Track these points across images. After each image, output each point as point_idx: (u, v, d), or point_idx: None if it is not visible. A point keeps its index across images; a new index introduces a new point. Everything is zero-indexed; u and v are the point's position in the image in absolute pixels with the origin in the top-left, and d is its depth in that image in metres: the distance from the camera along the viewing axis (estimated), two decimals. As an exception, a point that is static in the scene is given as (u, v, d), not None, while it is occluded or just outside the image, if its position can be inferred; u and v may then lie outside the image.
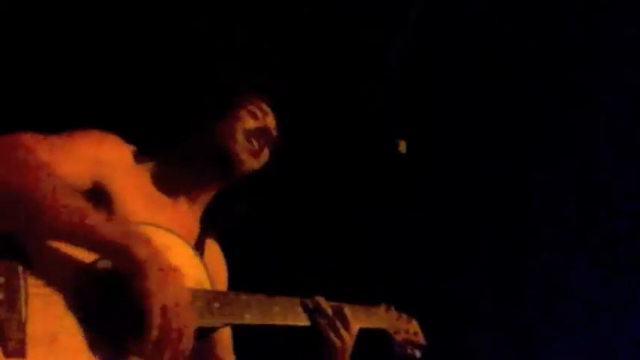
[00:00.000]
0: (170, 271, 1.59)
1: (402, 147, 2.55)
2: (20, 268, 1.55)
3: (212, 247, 2.14)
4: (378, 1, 3.24)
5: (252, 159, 2.06)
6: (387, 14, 3.26)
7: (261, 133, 2.07)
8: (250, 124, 2.07)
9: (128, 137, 1.97)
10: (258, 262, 2.21)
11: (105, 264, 1.62)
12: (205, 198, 2.10)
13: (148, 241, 1.61)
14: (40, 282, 1.56)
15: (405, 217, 3.57)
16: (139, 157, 1.97)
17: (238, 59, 2.38)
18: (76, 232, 1.57)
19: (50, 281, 1.57)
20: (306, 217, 3.38)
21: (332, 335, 2.00)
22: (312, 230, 3.39)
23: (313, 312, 2.01)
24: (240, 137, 2.04)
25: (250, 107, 2.09)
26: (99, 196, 1.79)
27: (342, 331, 2.00)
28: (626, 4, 3.33)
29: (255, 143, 2.06)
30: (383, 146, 2.85)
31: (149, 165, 1.99)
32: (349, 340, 2.02)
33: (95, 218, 1.59)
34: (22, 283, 1.53)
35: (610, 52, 3.42)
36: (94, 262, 1.63)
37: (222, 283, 2.13)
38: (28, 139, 1.68)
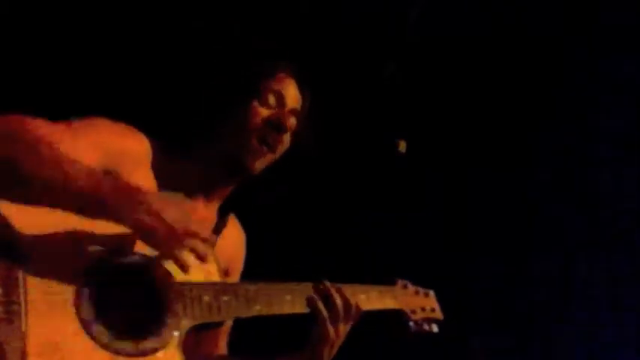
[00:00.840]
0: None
1: (402, 147, 2.54)
2: (20, 275, 1.52)
3: (232, 229, 2.10)
4: (378, 1, 3.24)
5: (263, 161, 1.98)
6: (387, 14, 3.26)
7: (274, 126, 1.97)
8: (258, 118, 1.96)
9: (148, 130, 1.92)
10: (257, 262, 2.20)
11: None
12: (223, 193, 2.05)
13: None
14: (39, 287, 1.53)
15: (405, 217, 3.57)
16: (157, 150, 1.91)
17: (241, 56, 2.36)
18: (85, 188, 1.53)
19: (50, 285, 1.55)
20: (306, 217, 3.37)
21: (329, 326, 1.93)
22: (312, 230, 3.39)
23: (319, 298, 1.95)
24: (252, 142, 1.95)
25: (264, 90, 1.99)
26: None
27: (341, 324, 1.95)
28: (626, 4, 3.33)
29: (269, 140, 1.97)
30: (383, 146, 2.84)
31: (166, 159, 1.92)
32: (344, 332, 1.97)
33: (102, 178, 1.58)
34: (21, 290, 1.51)
35: (609, 52, 3.43)
36: (99, 259, 1.62)
37: (237, 269, 2.11)
38: (31, 119, 1.61)
